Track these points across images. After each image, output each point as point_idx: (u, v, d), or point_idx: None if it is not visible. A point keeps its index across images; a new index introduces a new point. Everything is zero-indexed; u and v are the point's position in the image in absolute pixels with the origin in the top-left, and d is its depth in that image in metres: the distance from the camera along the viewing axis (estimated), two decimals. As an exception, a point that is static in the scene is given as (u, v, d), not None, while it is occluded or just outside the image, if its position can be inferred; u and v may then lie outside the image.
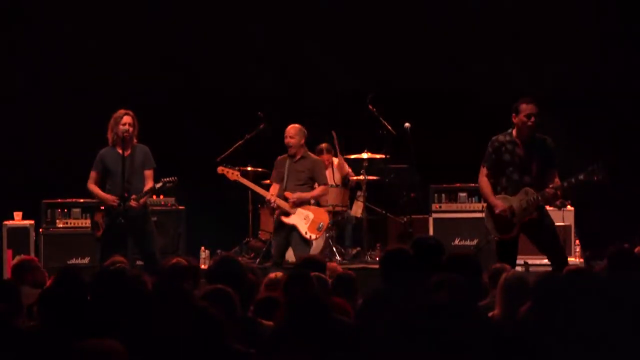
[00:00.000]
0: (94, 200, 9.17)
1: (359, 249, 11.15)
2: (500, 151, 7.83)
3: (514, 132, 7.84)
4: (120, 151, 8.72)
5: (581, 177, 7.63)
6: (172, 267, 5.98)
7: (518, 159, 7.79)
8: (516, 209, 7.73)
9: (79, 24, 12.01)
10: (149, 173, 8.83)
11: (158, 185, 8.81)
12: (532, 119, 7.73)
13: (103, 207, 8.79)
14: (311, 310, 4.10)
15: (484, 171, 7.94)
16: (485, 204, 8.10)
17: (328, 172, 11.40)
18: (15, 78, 11.97)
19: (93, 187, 8.85)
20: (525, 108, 7.74)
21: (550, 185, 7.71)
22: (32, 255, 10.30)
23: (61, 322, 4.23)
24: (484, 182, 7.94)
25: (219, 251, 10.77)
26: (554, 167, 7.81)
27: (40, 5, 12.11)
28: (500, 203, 7.77)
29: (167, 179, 8.87)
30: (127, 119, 8.71)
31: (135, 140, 8.79)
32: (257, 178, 11.40)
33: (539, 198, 7.69)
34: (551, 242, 7.86)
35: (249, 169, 11.24)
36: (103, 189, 8.88)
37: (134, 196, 8.63)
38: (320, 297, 4.46)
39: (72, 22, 12.01)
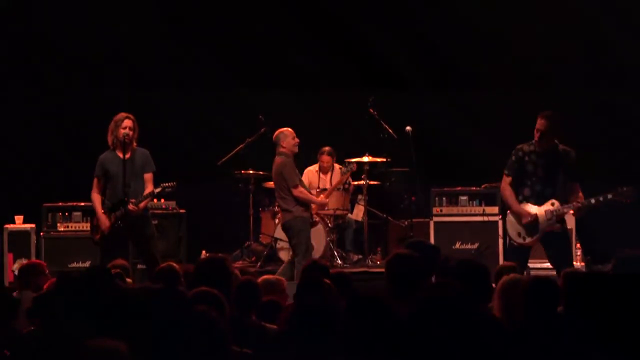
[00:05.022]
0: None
1: (360, 256, 11.14)
2: (524, 161, 7.89)
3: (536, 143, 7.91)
4: (120, 155, 8.73)
5: (610, 196, 7.74)
6: (166, 270, 5.99)
7: (541, 170, 7.84)
8: (540, 218, 7.81)
9: (80, 25, 12.03)
10: (148, 177, 8.82)
11: (157, 189, 8.80)
12: (537, 133, 7.81)
13: (102, 211, 8.79)
14: (322, 314, 4.12)
15: (507, 179, 7.99)
16: (509, 211, 8.16)
17: (328, 176, 11.43)
18: (16, 80, 11.98)
19: (94, 198, 8.82)
20: (537, 123, 7.82)
21: (577, 200, 7.78)
22: (34, 258, 10.32)
23: (58, 326, 4.24)
24: (507, 190, 8.00)
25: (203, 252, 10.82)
26: (576, 181, 7.87)
27: (43, 6, 12.11)
28: (526, 212, 7.85)
29: (167, 183, 8.86)
30: (127, 122, 8.71)
31: (135, 144, 8.79)
32: (258, 181, 11.42)
33: (564, 210, 7.76)
34: (564, 256, 7.94)
35: (250, 172, 11.24)
36: (104, 193, 8.88)
37: (132, 200, 8.64)
38: (334, 302, 4.46)
39: (73, 24, 12.02)
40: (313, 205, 9.83)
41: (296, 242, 9.53)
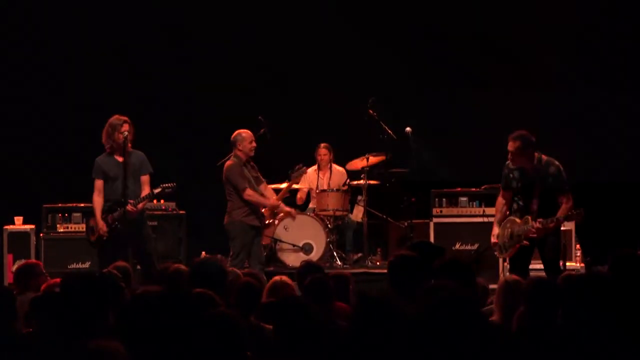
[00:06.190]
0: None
1: (360, 254, 11.13)
2: (509, 177, 8.17)
3: None
4: (118, 158, 8.75)
5: (561, 219, 7.93)
6: (175, 272, 5.99)
7: (521, 185, 8.07)
8: (514, 234, 8.05)
9: (79, 29, 12.04)
10: (145, 178, 8.84)
11: (157, 190, 8.81)
12: (510, 155, 8.04)
13: (102, 216, 8.79)
14: (297, 314, 4.13)
15: (500, 193, 8.36)
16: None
17: (326, 176, 11.43)
18: (17, 82, 11.98)
19: (97, 202, 8.81)
20: (509, 145, 8.04)
21: (539, 220, 7.90)
22: (33, 259, 10.31)
23: (56, 327, 4.24)
24: (496, 205, 8.43)
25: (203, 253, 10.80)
26: (561, 192, 7.98)
27: (45, 10, 12.11)
28: (496, 232, 8.21)
29: (166, 184, 8.86)
30: (126, 127, 8.71)
31: (130, 146, 8.78)
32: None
33: (530, 230, 7.92)
34: (550, 265, 8.09)
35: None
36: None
37: (131, 201, 8.64)
38: (302, 301, 4.47)
39: (72, 27, 12.03)
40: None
41: (231, 247, 9.49)
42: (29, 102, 11.99)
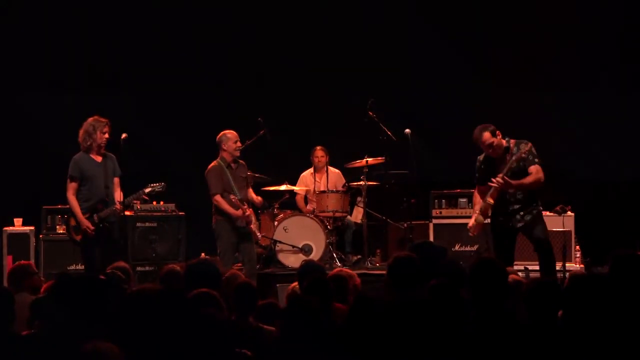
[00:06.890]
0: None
1: (359, 256, 11.12)
2: (482, 169, 8.42)
3: None
4: (95, 158, 8.81)
5: (525, 182, 8.16)
6: (169, 272, 5.98)
7: (496, 172, 8.24)
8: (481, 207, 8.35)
9: (79, 29, 12.05)
10: (117, 180, 8.86)
11: (147, 190, 8.87)
12: (489, 149, 8.28)
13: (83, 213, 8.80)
14: (302, 315, 4.13)
15: (476, 188, 8.63)
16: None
17: (322, 179, 11.41)
18: (17, 82, 11.98)
19: (74, 201, 8.81)
20: (480, 144, 8.31)
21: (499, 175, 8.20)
22: (32, 261, 10.31)
23: (56, 328, 4.24)
24: (474, 199, 8.75)
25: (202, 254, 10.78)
26: (531, 163, 8.19)
27: (45, 10, 12.11)
28: (473, 218, 8.52)
29: (155, 184, 8.90)
30: (108, 128, 8.79)
31: (103, 149, 8.85)
32: (257, 184, 11.40)
33: (492, 185, 8.20)
34: (537, 242, 8.35)
35: (249, 174, 11.21)
36: (77, 195, 8.84)
37: (118, 200, 8.66)
38: (312, 303, 4.48)
39: (73, 27, 12.04)
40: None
41: (217, 246, 9.54)
42: (29, 103, 11.98)
